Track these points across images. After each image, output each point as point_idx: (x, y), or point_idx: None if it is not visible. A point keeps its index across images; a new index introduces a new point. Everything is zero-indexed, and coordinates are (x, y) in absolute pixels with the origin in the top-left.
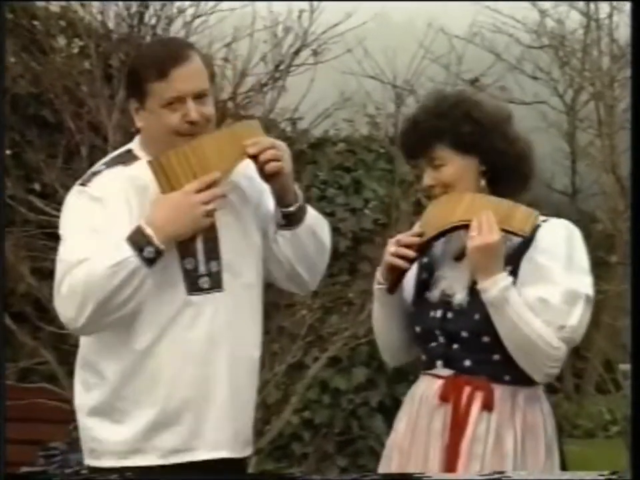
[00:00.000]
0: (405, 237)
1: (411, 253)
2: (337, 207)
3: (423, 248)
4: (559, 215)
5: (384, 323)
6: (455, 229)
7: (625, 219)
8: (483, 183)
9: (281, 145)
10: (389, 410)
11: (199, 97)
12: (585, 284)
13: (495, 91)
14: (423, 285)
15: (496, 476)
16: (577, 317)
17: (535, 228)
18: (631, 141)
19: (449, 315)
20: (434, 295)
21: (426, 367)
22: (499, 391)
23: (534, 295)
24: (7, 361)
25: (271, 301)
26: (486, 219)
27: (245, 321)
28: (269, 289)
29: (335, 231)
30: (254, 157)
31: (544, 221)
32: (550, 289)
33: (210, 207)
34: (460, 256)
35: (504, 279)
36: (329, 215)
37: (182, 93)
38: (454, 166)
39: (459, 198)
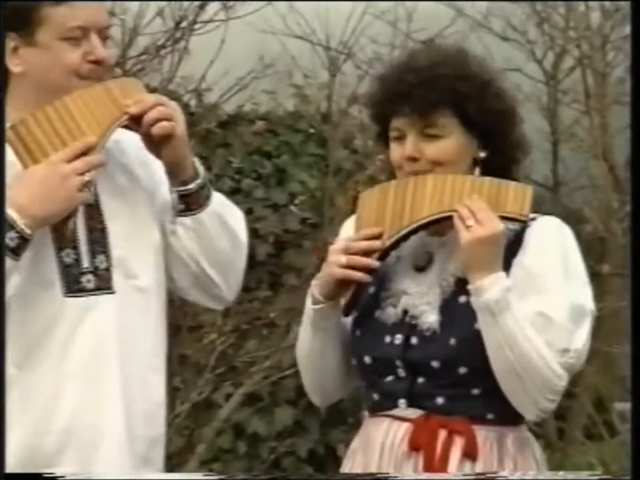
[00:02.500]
0: (358, 242)
1: (374, 263)
2: (255, 203)
3: (385, 254)
4: (536, 212)
5: (317, 353)
6: (429, 223)
7: (620, 219)
8: (477, 172)
9: (170, 102)
10: (322, 461)
11: (103, 36)
12: (588, 297)
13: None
14: (371, 301)
15: (490, 476)
16: (583, 339)
17: (522, 227)
18: (631, 139)
19: (414, 340)
20: (389, 314)
21: (381, 407)
22: (483, 434)
23: (532, 308)
24: None
25: (169, 322)
26: (478, 204)
27: (142, 333)
28: (168, 304)
29: (253, 232)
30: (136, 120)
31: (532, 218)
32: (552, 303)
33: (86, 177)
34: (424, 266)
35: (504, 278)
36: (246, 213)
37: (88, 23)
38: (455, 141)
39: (423, 181)
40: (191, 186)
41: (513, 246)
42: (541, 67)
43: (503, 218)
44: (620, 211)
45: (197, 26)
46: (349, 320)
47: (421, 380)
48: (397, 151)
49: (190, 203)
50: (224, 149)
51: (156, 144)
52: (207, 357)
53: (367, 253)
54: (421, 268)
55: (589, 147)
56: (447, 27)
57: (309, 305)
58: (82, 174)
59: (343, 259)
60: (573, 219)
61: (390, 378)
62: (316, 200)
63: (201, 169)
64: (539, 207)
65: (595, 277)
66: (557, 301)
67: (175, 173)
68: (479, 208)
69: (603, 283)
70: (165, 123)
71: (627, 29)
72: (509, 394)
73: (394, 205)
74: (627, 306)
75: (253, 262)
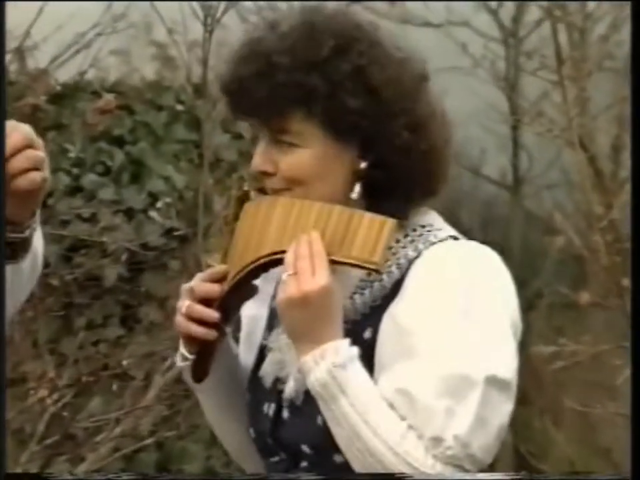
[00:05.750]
0: (200, 283)
1: (211, 315)
2: (101, 207)
3: (238, 292)
4: (488, 222)
5: (211, 420)
6: (274, 264)
7: (604, 229)
8: (357, 189)
9: (34, 137)
10: None
11: None
12: (486, 359)
13: (379, 6)
14: (259, 355)
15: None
16: (470, 421)
17: (410, 261)
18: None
19: (285, 413)
20: (266, 372)
21: None
22: None
23: (391, 382)
24: None
25: None
26: (307, 247)
27: None
28: None
29: (98, 249)
30: None
31: (432, 243)
32: (418, 373)
33: None
34: None
35: (339, 349)
36: (87, 220)
37: None
38: (315, 151)
39: (272, 206)
40: (27, 232)
41: (398, 281)
42: (495, 21)
43: (349, 264)
44: (603, 219)
45: None
46: (250, 365)
47: (303, 464)
48: (254, 158)
49: (16, 250)
50: (57, 132)
51: (14, 195)
52: (33, 422)
53: (208, 300)
54: None
55: (561, 130)
56: None
57: (178, 363)
58: None
59: (184, 306)
60: (539, 230)
61: (275, 459)
62: (186, 203)
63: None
64: (494, 213)
65: (570, 309)
66: (426, 370)
67: (13, 220)
68: (303, 254)
69: (580, 317)
70: (34, 175)
71: None
72: None
73: (248, 233)
74: (611, 350)
75: (98, 290)
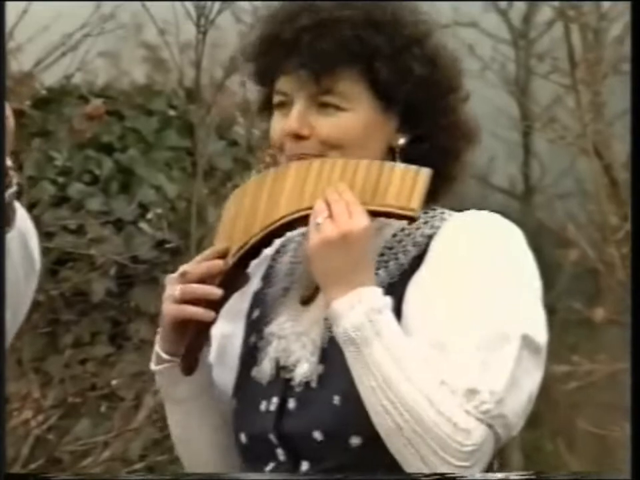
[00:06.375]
0: (196, 264)
1: (213, 291)
2: (89, 218)
3: (234, 276)
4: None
5: (180, 436)
6: (287, 227)
7: (620, 241)
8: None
9: None
10: None
11: None
12: (521, 319)
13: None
14: (249, 355)
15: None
16: (506, 375)
17: (428, 236)
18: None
19: (291, 404)
20: (264, 369)
21: None
22: None
23: (424, 338)
24: None
25: None
26: (338, 196)
27: None
28: None
29: (85, 262)
30: None
31: (450, 216)
32: (451, 327)
33: None
34: (310, 296)
35: (373, 295)
36: (74, 232)
37: None
38: (360, 116)
39: (284, 171)
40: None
41: (416, 257)
42: (505, 20)
43: (384, 214)
44: (619, 230)
45: None
46: (228, 384)
47: (305, 466)
48: (278, 124)
49: None
50: (42, 138)
51: None
52: (16, 446)
53: (207, 278)
54: (306, 300)
55: (574, 137)
56: None
57: (152, 365)
58: None
59: (177, 290)
60: (552, 242)
61: (270, 466)
62: (178, 214)
63: (14, 177)
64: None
65: (584, 325)
66: (461, 326)
67: None
68: (337, 200)
69: (595, 334)
70: None
71: None
72: (400, 460)
73: (250, 206)
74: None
75: (85, 305)
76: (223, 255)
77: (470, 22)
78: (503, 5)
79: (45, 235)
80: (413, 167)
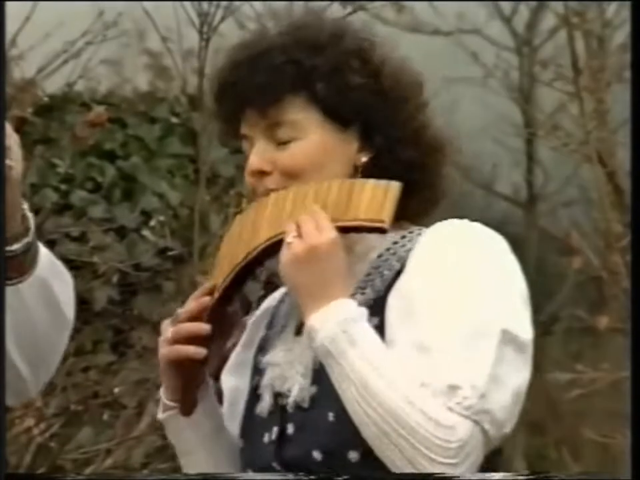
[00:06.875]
0: (189, 305)
1: (201, 328)
2: (92, 226)
3: (222, 310)
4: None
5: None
6: (269, 253)
7: (624, 249)
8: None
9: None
10: None
11: None
12: (500, 315)
13: (387, 13)
14: (254, 392)
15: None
16: (487, 372)
17: (409, 251)
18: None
19: (289, 430)
20: (264, 402)
21: None
22: None
23: (405, 341)
24: None
25: None
26: (308, 216)
27: None
28: None
29: (88, 270)
30: None
31: (410, 233)
32: (431, 327)
33: None
34: (302, 325)
35: (346, 306)
36: (76, 240)
37: None
38: (313, 141)
39: (264, 203)
40: (16, 246)
41: (399, 271)
42: (508, 27)
43: (356, 229)
44: (623, 238)
45: None
46: (236, 425)
47: None
48: (260, 155)
49: (10, 269)
50: (44, 146)
51: None
52: (19, 454)
53: (197, 315)
54: (299, 330)
55: (578, 144)
56: None
57: (160, 414)
58: None
59: (170, 331)
60: (555, 249)
61: None
62: (181, 221)
63: (31, 222)
64: (507, 231)
65: (587, 334)
66: (440, 325)
67: None
68: (307, 219)
69: (599, 342)
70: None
71: None
72: (391, 467)
73: (236, 240)
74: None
75: (88, 313)
76: (211, 292)
77: (474, 29)
78: (506, 12)
79: (47, 242)
80: (383, 182)
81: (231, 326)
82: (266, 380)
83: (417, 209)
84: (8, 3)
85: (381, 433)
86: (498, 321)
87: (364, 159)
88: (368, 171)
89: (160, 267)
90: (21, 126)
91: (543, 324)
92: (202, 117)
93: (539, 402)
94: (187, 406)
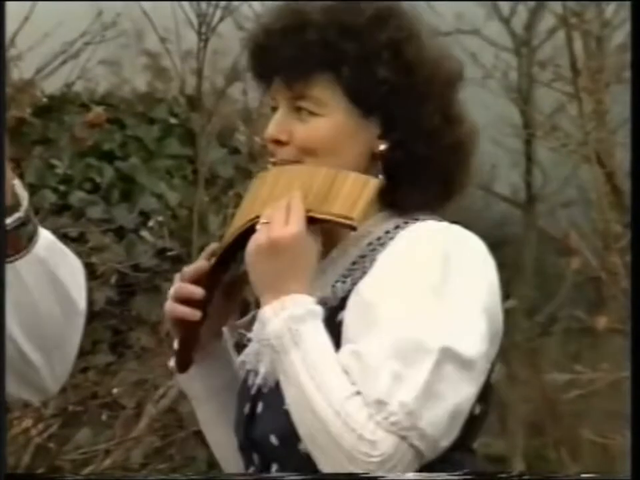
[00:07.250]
0: (193, 265)
1: (195, 291)
2: (90, 226)
3: (216, 276)
4: (500, 242)
5: (204, 429)
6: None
7: (623, 249)
8: (378, 168)
9: None
10: None
11: None
12: (443, 331)
13: None
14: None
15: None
16: (419, 389)
17: (387, 238)
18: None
19: (259, 408)
20: (250, 375)
21: None
22: None
23: (347, 347)
24: None
25: None
26: (285, 205)
27: None
28: None
29: (87, 270)
30: None
31: (405, 223)
32: (371, 338)
33: None
34: None
35: (300, 302)
36: (75, 240)
37: None
38: (334, 121)
39: (264, 178)
40: (8, 221)
41: (366, 269)
42: (507, 28)
43: (326, 222)
44: (622, 238)
45: None
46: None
47: (274, 468)
48: (280, 124)
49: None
50: (43, 146)
51: None
52: (17, 454)
53: (196, 280)
54: None
55: (577, 145)
56: None
57: (170, 363)
58: None
59: (172, 289)
60: (554, 249)
61: (251, 469)
62: (179, 222)
63: (23, 196)
64: (506, 231)
65: (586, 334)
66: (379, 334)
67: None
68: (281, 206)
69: (598, 342)
70: None
71: None
72: (319, 465)
73: (241, 208)
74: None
75: (88, 314)
76: (212, 255)
77: (472, 30)
78: (505, 12)
79: None
80: (363, 177)
81: (228, 294)
82: (242, 356)
83: (428, 200)
84: (7, 3)
85: (310, 435)
86: (440, 338)
87: (382, 147)
88: (384, 160)
89: (158, 267)
90: (20, 126)
91: (542, 324)
92: (200, 117)
93: (538, 403)
94: (182, 363)
